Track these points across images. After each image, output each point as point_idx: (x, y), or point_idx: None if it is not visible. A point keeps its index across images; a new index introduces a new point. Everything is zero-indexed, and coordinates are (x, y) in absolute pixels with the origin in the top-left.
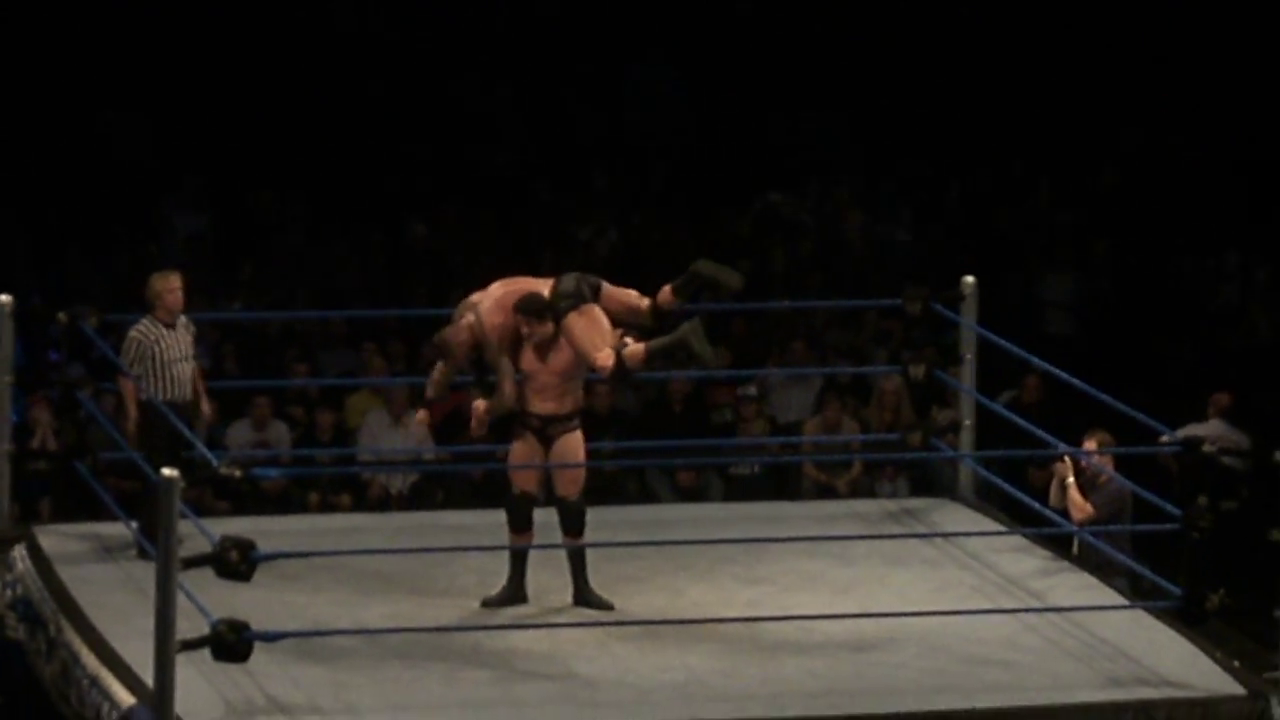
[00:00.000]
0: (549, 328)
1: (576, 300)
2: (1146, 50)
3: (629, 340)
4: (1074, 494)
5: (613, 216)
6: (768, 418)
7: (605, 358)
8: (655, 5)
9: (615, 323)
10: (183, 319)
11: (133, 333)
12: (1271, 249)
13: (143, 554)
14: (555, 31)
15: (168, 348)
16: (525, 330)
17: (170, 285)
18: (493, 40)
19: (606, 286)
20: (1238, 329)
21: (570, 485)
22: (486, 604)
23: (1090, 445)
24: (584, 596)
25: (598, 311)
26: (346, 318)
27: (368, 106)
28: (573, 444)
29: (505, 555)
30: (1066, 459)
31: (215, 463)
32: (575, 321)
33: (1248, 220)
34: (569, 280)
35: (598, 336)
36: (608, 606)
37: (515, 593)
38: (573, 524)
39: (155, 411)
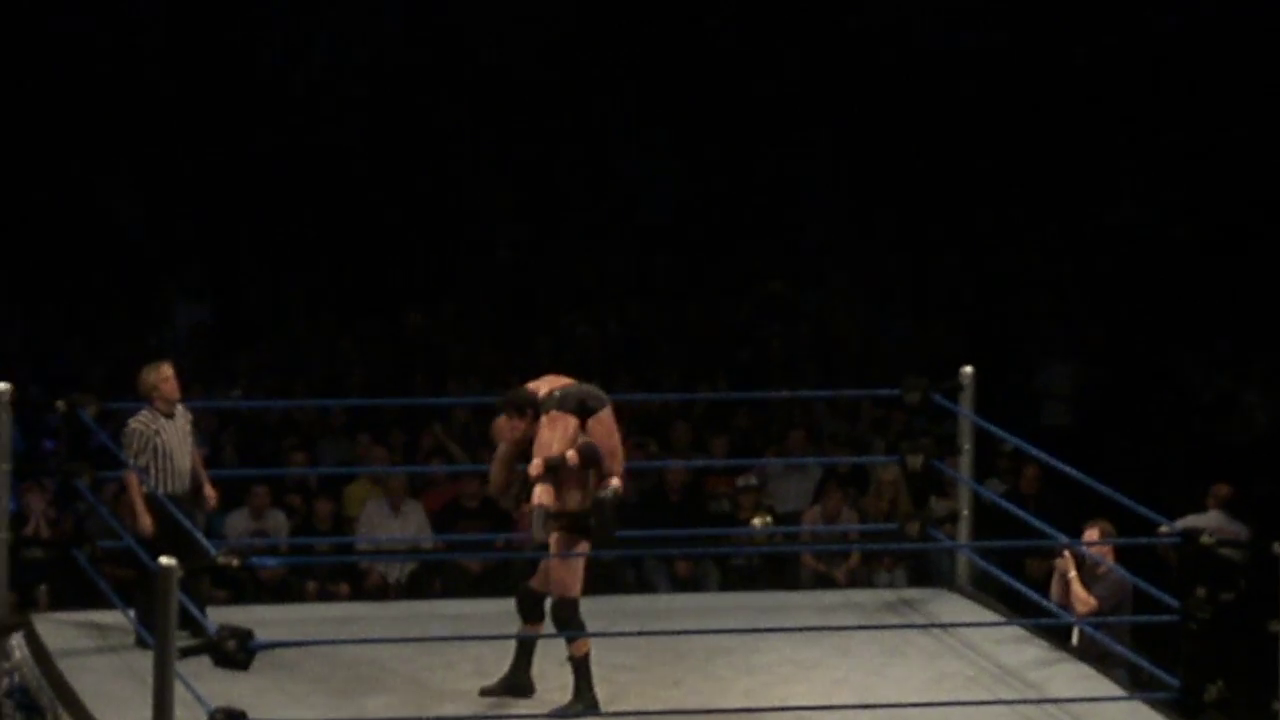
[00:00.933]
0: (524, 425)
1: (558, 405)
2: (1139, 135)
3: (573, 456)
4: (1077, 587)
5: (611, 306)
6: (766, 507)
7: (535, 468)
8: (654, 94)
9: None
10: (180, 407)
11: (134, 424)
12: (1265, 337)
13: (141, 642)
14: (553, 120)
15: (169, 437)
16: (506, 422)
17: (164, 375)
18: (491, 129)
19: (606, 418)
20: (1235, 419)
21: (555, 586)
22: (485, 693)
23: (1092, 535)
24: (577, 695)
25: (569, 423)
26: (345, 406)
27: (367, 197)
28: (558, 545)
29: (503, 645)
30: (1067, 553)
31: (214, 552)
32: (543, 422)
33: (1241, 308)
34: (572, 388)
35: (548, 444)
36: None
37: (519, 681)
38: (558, 625)
39: (157, 504)
